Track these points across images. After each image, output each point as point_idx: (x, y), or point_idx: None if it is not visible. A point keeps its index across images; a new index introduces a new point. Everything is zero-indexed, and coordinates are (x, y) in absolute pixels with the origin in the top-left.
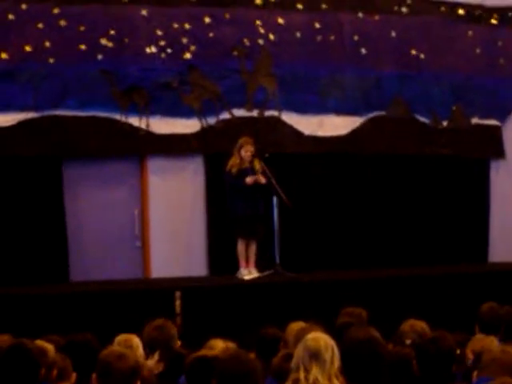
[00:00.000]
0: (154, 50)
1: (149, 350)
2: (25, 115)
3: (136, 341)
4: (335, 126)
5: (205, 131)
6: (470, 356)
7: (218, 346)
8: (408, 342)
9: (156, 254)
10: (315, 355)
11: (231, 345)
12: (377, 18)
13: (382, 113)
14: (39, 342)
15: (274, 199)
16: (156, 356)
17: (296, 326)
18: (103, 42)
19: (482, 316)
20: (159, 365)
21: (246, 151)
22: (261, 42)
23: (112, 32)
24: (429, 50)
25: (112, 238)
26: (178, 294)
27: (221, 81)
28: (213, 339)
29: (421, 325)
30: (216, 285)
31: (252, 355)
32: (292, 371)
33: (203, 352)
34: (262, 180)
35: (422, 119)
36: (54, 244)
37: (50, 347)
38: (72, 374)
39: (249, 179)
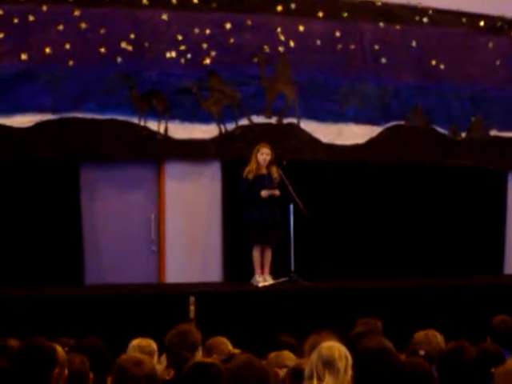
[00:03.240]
0: (173, 54)
1: (169, 355)
2: (42, 117)
3: (152, 346)
4: (354, 134)
5: (223, 137)
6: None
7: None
8: (422, 352)
9: (171, 258)
10: (329, 364)
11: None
12: (398, 27)
13: (401, 122)
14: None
15: (291, 207)
16: (164, 361)
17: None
18: (123, 45)
19: (494, 328)
20: (169, 371)
21: (262, 154)
22: (281, 49)
23: (132, 36)
24: (449, 60)
25: (128, 242)
26: (192, 299)
27: (240, 87)
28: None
29: (435, 335)
30: (230, 291)
31: (265, 362)
32: (305, 379)
33: (202, 358)
34: (277, 193)
35: (441, 130)
36: (69, 246)
37: (59, 349)
38: (90, 375)
39: (264, 193)
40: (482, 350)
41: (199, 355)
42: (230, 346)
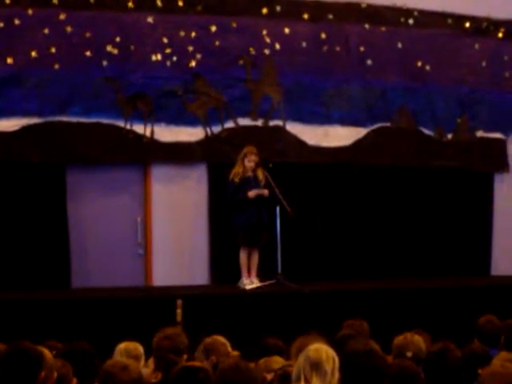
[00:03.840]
0: (159, 57)
1: (157, 359)
2: (28, 120)
3: (139, 349)
4: (340, 136)
5: (209, 140)
6: None
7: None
8: (409, 354)
9: (158, 261)
10: (316, 366)
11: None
12: (383, 29)
13: (387, 124)
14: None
15: (277, 209)
16: (151, 364)
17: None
18: (109, 48)
19: (480, 328)
20: (156, 374)
21: (250, 161)
22: (267, 51)
23: (118, 39)
24: (434, 62)
25: (114, 245)
26: (179, 302)
27: (226, 89)
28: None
29: (417, 338)
30: (217, 294)
31: (253, 365)
32: (293, 381)
33: (191, 362)
34: (265, 193)
35: (427, 131)
36: (56, 250)
37: (47, 352)
38: (73, 380)
39: (251, 193)
40: (469, 351)
41: (185, 359)
42: (229, 348)
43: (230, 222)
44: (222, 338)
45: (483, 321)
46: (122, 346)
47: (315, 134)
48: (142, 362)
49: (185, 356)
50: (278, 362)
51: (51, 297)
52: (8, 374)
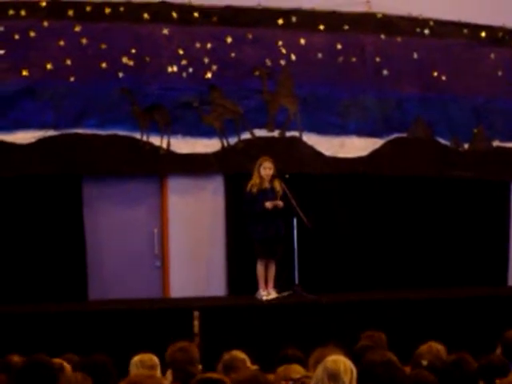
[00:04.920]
0: (175, 69)
1: (174, 370)
2: (44, 133)
3: (154, 360)
4: (356, 147)
5: (225, 151)
6: None
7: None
8: (425, 363)
9: (175, 273)
10: (334, 377)
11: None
12: (399, 39)
13: (403, 134)
14: (56, 360)
15: (294, 220)
16: (169, 376)
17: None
18: (124, 60)
19: (507, 342)
20: None
21: (265, 168)
22: (282, 62)
23: (133, 50)
24: (450, 72)
25: (131, 257)
26: (196, 313)
27: (242, 101)
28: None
29: (437, 347)
30: (234, 305)
31: (271, 377)
32: None
33: (209, 373)
34: (280, 205)
35: (443, 141)
36: (73, 262)
37: (66, 365)
38: None
39: (268, 204)
40: (487, 362)
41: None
42: (248, 363)
43: (247, 234)
44: (240, 354)
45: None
46: (137, 358)
47: (331, 145)
48: (158, 372)
49: (199, 366)
50: (297, 370)
51: (68, 309)
52: None
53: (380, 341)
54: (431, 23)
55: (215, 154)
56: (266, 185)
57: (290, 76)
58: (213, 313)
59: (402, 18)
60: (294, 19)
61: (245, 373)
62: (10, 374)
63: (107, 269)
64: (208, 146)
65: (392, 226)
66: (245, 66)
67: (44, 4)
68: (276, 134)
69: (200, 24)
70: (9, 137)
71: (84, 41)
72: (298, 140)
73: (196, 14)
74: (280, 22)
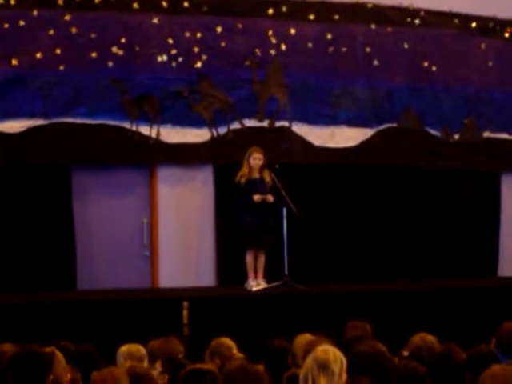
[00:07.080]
0: (165, 58)
1: (164, 361)
2: (34, 122)
3: (142, 351)
4: (346, 137)
5: (215, 141)
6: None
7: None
8: (405, 353)
9: (164, 263)
10: (324, 367)
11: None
12: (389, 29)
13: (393, 125)
14: (49, 349)
15: (284, 210)
16: (158, 366)
17: (303, 338)
18: (114, 49)
19: (502, 335)
20: (163, 376)
21: (255, 158)
22: (272, 52)
23: (123, 40)
24: (441, 62)
25: (120, 246)
26: (185, 303)
27: (232, 91)
28: None
29: (429, 338)
30: (224, 295)
31: (260, 367)
32: (300, 382)
33: (198, 364)
34: (271, 199)
35: (434, 132)
36: (61, 252)
37: (59, 354)
38: None
39: (257, 197)
40: (475, 353)
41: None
42: (234, 350)
43: (236, 224)
44: (228, 341)
45: (506, 328)
46: (124, 348)
47: (321, 135)
48: (146, 363)
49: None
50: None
51: (57, 299)
52: (17, 375)
53: (365, 331)
54: (422, 13)
55: (205, 144)
56: (256, 175)
57: (280, 66)
58: (202, 303)
59: (392, 8)
60: (284, 9)
61: (234, 363)
62: (1, 363)
63: (96, 258)
64: (198, 135)
65: (382, 217)
66: (235, 55)
67: None
68: (266, 123)
69: (190, 13)
70: None
71: (74, 30)
72: (288, 130)
73: (186, 4)
74: (270, 11)
